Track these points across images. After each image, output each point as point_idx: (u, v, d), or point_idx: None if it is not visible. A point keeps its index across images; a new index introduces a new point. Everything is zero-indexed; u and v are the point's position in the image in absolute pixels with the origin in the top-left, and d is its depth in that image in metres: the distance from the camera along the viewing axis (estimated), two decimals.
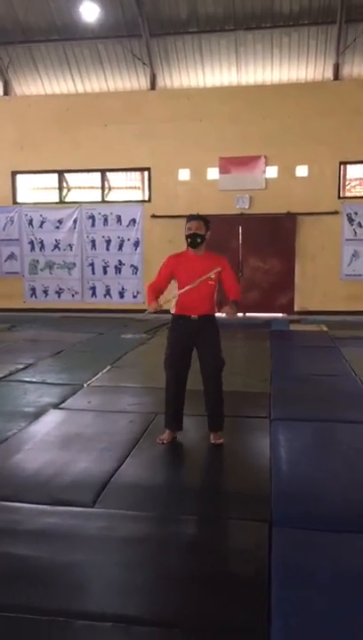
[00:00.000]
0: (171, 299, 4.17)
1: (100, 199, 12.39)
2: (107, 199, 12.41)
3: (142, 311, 12.01)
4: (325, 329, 9.97)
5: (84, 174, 12.60)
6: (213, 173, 11.71)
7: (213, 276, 4.10)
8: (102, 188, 12.39)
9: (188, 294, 4.06)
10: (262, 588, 2.44)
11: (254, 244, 11.69)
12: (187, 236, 4.13)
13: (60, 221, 12.32)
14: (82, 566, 2.64)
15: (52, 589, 2.45)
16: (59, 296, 12.50)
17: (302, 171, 11.50)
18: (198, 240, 4.10)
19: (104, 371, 6.65)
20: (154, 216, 11.83)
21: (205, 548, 2.86)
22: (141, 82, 12.05)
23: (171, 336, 4.24)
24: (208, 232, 4.16)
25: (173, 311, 4.20)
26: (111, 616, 2.26)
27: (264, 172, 11.54)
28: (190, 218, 4.23)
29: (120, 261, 12.20)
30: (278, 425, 4.61)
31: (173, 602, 2.40)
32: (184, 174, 11.84)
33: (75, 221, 12.27)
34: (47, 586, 2.47)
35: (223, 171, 11.63)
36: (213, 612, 2.31)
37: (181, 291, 4.07)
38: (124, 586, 2.50)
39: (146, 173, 12.17)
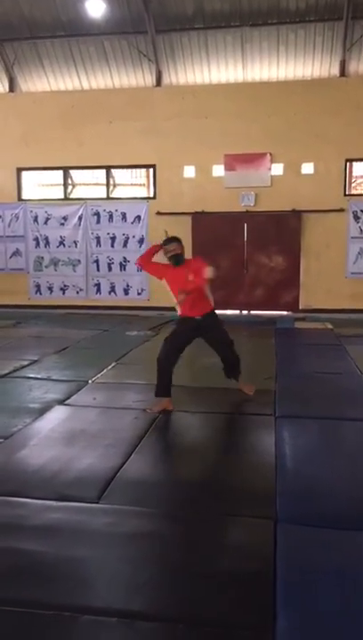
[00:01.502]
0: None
1: (105, 196, 12.39)
2: (112, 196, 12.41)
3: (147, 309, 11.97)
4: (330, 327, 9.94)
5: (89, 171, 12.60)
6: (218, 170, 11.69)
7: (191, 278, 4.78)
8: (107, 184, 12.39)
9: (187, 301, 4.86)
10: (267, 586, 2.44)
11: (259, 242, 11.66)
12: (170, 257, 5.01)
13: (65, 218, 12.32)
14: (87, 562, 2.65)
15: (58, 584, 2.46)
16: (63, 293, 12.51)
17: (307, 168, 11.46)
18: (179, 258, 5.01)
19: (109, 367, 6.65)
20: (159, 213, 11.82)
21: (209, 544, 2.86)
22: (147, 78, 12.03)
23: (178, 328, 5.11)
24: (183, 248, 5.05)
25: (179, 313, 5.08)
26: (116, 611, 2.27)
27: (270, 169, 11.50)
28: (166, 241, 5.09)
29: (125, 258, 12.19)
30: (283, 422, 4.61)
31: (178, 598, 2.40)
32: (189, 171, 11.82)
33: (80, 218, 12.27)
34: (52, 581, 2.48)
35: (229, 168, 11.59)
36: (217, 609, 2.31)
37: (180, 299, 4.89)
38: (128, 581, 2.50)
39: (151, 170, 12.16)
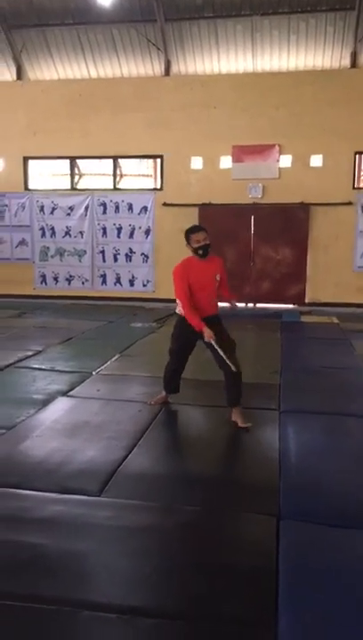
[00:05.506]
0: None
1: (111, 187, 12.32)
2: (118, 187, 12.34)
3: (153, 300, 11.96)
4: (336, 321, 9.88)
5: (96, 161, 12.52)
6: (226, 162, 11.59)
7: (218, 278, 4.55)
8: (114, 175, 12.31)
9: (202, 300, 4.43)
10: (269, 583, 2.42)
11: (266, 234, 11.58)
12: (198, 248, 4.41)
13: (71, 208, 12.27)
14: (88, 556, 2.63)
15: (58, 578, 2.44)
16: (69, 283, 12.49)
17: (316, 160, 11.34)
18: (209, 250, 4.46)
19: (113, 359, 6.63)
20: (166, 204, 11.75)
21: (211, 539, 2.84)
22: (156, 68, 11.90)
23: (179, 332, 4.64)
24: None
25: (181, 313, 4.55)
26: (117, 607, 2.26)
27: (278, 161, 11.39)
28: (197, 229, 4.54)
29: (131, 249, 12.15)
30: (288, 417, 4.58)
31: (179, 593, 2.39)
32: (197, 162, 11.72)
33: (86, 208, 12.22)
34: (53, 575, 2.47)
35: (236, 159, 11.49)
36: (218, 605, 2.29)
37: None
38: (129, 576, 2.49)
39: (158, 161, 12.07)
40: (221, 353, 4.34)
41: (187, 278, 4.40)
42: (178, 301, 4.55)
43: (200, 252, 4.43)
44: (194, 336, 4.51)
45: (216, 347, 4.33)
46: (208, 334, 4.28)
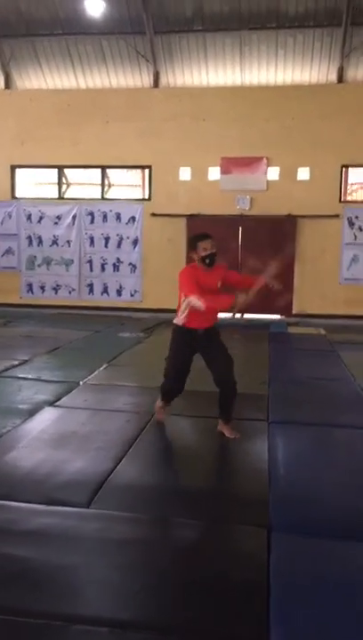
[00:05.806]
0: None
1: (99, 196, 12.31)
2: (106, 196, 12.33)
3: (140, 310, 11.88)
4: (323, 332, 9.93)
5: (85, 170, 12.52)
6: (214, 173, 11.65)
7: (219, 285, 4.32)
8: (102, 185, 12.31)
9: (202, 312, 4.10)
10: (260, 596, 2.39)
11: (253, 246, 11.60)
12: (205, 257, 4.18)
13: (58, 217, 12.23)
14: (77, 569, 2.58)
15: (47, 592, 2.39)
16: (56, 292, 12.41)
17: (303, 173, 11.45)
18: (215, 259, 4.23)
19: (101, 369, 6.58)
20: (154, 214, 11.76)
21: (202, 552, 2.80)
22: (144, 79, 11.97)
23: (176, 348, 4.37)
24: None
25: (180, 323, 4.30)
26: (107, 620, 2.21)
27: (266, 173, 11.48)
28: (205, 236, 4.27)
29: (118, 259, 12.12)
30: (276, 428, 4.57)
31: (170, 607, 2.35)
32: (185, 173, 11.77)
33: (74, 218, 12.18)
34: (41, 588, 2.41)
35: (224, 171, 11.56)
36: (210, 619, 2.26)
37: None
38: (119, 590, 2.44)
39: (147, 171, 12.10)
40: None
41: (195, 279, 4.12)
42: (181, 308, 4.24)
43: (207, 260, 4.18)
44: (192, 347, 4.31)
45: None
46: (243, 299, 4.05)
